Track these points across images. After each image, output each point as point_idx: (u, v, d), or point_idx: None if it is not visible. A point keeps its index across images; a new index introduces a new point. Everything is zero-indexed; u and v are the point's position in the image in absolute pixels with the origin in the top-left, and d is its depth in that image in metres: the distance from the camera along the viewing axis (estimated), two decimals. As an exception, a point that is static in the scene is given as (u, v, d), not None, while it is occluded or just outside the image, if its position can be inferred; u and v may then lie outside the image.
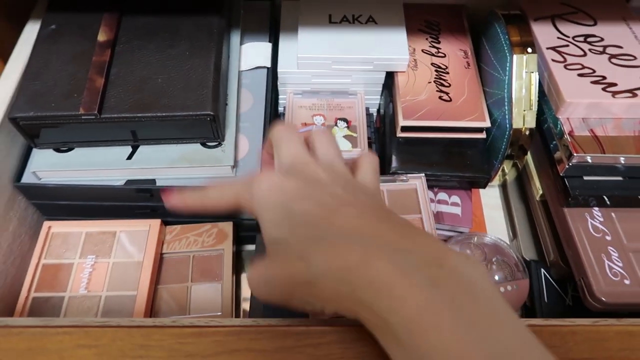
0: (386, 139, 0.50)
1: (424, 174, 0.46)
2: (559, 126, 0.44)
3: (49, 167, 0.43)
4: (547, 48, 0.47)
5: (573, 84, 0.44)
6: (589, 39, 0.48)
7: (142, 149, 0.43)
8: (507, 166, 0.50)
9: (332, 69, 0.50)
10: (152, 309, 0.43)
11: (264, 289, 0.26)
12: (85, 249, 0.45)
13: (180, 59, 0.43)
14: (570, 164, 0.42)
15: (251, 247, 0.52)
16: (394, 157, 0.48)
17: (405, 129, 0.47)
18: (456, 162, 0.48)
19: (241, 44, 0.52)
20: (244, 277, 0.49)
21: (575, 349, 0.27)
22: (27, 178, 0.43)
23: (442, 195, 0.51)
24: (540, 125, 0.46)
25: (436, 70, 0.50)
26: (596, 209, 0.44)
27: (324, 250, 0.23)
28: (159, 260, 0.46)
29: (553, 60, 0.46)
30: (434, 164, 0.48)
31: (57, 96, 0.40)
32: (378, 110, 0.57)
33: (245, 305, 0.47)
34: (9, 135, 0.42)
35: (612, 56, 0.46)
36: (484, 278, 0.23)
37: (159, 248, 0.46)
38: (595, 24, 0.49)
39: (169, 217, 0.47)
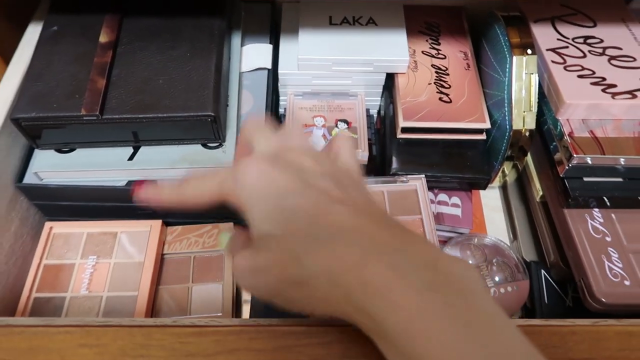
0: (386, 140, 0.50)
1: (424, 175, 0.46)
2: (558, 127, 0.44)
3: (51, 167, 0.43)
4: (547, 49, 0.47)
5: (573, 85, 0.44)
6: (589, 41, 0.48)
7: (144, 150, 0.44)
8: (507, 167, 0.50)
9: (333, 70, 0.50)
10: (152, 310, 0.43)
11: (249, 280, 0.25)
12: (87, 250, 0.46)
13: (182, 60, 0.43)
14: (570, 165, 0.42)
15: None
16: (394, 158, 0.48)
17: (405, 130, 0.47)
18: (456, 164, 0.48)
19: (242, 45, 0.52)
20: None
21: (575, 349, 0.27)
22: (28, 179, 0.43)
23: (443, 197, 0.51)
24: (540, 127, 0.47)
25: (436, 72, 0.50)
26: (596, 210, 0.44)
27: (318, 250, 0.23)
28: (160, 260, 0.46)
29: (553, 61, 0.46)
30: (434, 165, 0.48)
31: (59, 97, 0.40)
32: (378, 112, 0.57)
33: (246, 306, 0.47)
34: (10, 136, 0.42)
35: (612, 57, 0.46)
36: (477, 282, 0.23)
37: (160, 249, 0.46)
38: (594, 26, 0.49)
39: (170, 218, 0.47)
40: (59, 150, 0.44)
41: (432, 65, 0.51)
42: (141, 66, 0.43)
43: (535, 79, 0.45)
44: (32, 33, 0.48)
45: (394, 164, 0.48)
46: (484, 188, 0.51)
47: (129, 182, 0.43)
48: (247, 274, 0.25)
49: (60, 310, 0.42)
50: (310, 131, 0.50)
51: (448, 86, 0.49)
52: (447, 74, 0.50)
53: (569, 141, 0.42)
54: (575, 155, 0.42)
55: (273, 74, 0.51)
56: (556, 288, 0.47)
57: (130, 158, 0.43)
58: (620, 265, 0.41)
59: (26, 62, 0.44)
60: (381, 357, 0.25)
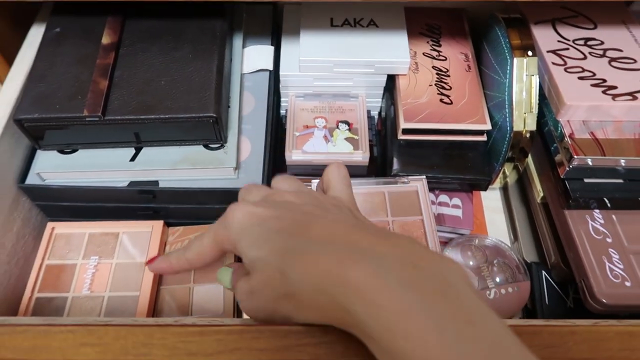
0: (387, 141, 0.50)
1: (425, 176, 0.47)
2: (559, 129, 0.44)
3: (53, 168, 0.43)
4: (548, 51, 0.47)
5: (573, 86, 0.44)
6: (589, 42, 0.48)
7: (145, 151, 0.44)
8: (507, 169, 0.50)
9: (334, 72, 0.50)
10: (154, 310, 0.43)
11: (248, 304, 0.27)
12: (89, 250, 0.46)
13: (183, 62, 0.43)
14: (570, 167, 0.42)
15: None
16: (395, 160, 0.48)
17: (406, 131, 0.48)
18: (457, 165, 0.48)
19: (243, 47, 0.52)
20: (245, 279, 0.49)
21: (575, 349, 0.27)
22: (31, 179, 0.43)
23: (443, 198, 0.51)
24: (540, 128, 0.47)
25: (437, 73, 0.51)
26: (597, 211, 0.44)
27: (300, 260, 0.24)
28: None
29: (553, 63, 0.46)
30: (435, 166, 0.48)
31: (62, 98, 0.41)
32: (379, 113, 0.57)
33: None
34: (13, 137, 0.43)
35: (612, 59, 0.46)
36: (460, 278, 0.23)
37: (162, 249, 0.46)
38: (595, 28, 0.49)
39: (172, 219, 0.48)
40: (62, 151, 0.44)
41: (433, 67, 0.51)
42: (143, 67, 0.43)
43: (535, 80, 0.45)
44: (35, 35, 0.48)
45: (395, 165, 0.48)
46: (485, 189, 0.51)
47: (131, 183, 0.44)
48: (245, 298, 0.27)
49: (62, 310, 0.42)
50: (311, 132, 0.50)
51: (449, 88, 0.49)
52: (448, 76, 0.50)
53: (570, 142, 0.43)
54: (575, 157, 0.42)
55: (274, 76, 0.51)
56: (557, 289, 0.47)
57: (132, 159, 0.43)
58: (621, 266, 0.41)
59: (29, 63, 0.44)
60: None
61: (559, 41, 0.48)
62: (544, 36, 0.48)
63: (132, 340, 0.28)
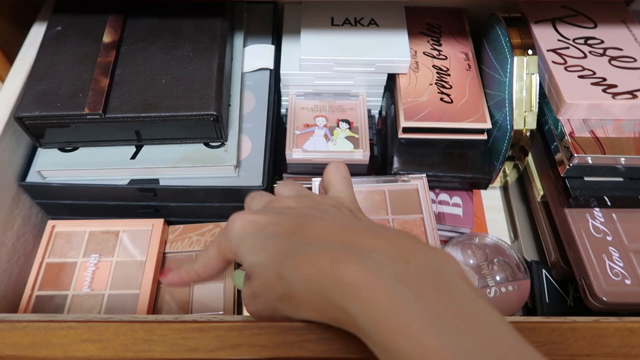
0: (388, 140, 0.50)
1: (425, 175, 0.47)
2: (559, 127, 0.44)
3: (54, 166, 0.43)
4: (548, 50, 0.47)
5: (573, 85, 0.44)
6: (589, 41, 0.48)
7: (146, 149, 0.44)
8: (508, 167, 0.50)
9: (334, 70, 0.50)
10: (154, 308, 0.43)
11: (251, 306, 0.28)
12: (89, 248, 0.46)
13: (184, 60, 0.43)
14: (571, 165, 0.42)
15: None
16: (395, 158, 0.48)
17: (406, 130, 0.48)
18: (457, 163, 0.48)
19: (244, 46, 0.52)
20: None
21: (575, 345, 0.27)
22: (31, 177, 0.44)
23: (444, 196, 0.51)
24: (541, 127, 0.47)
25: (437, 72, 0.51)
26: (597, 209, 0.44)
27: (295, 261, 0.24)
28: (162, 259, 0.46)
29: (553, 62, 0.46)
30: (435, 165, 0.48)
31: (63, 96, 0.41)
32: (380, 112, 0.57)
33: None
34: (14, 135, 0.43)
35: (612, 58, 0.46)
36: (455, 271, 0.23)
37: (162, 247, 0.46)
38: (595, 27, 0.49)
39: (172, 217, 0.48)
40: (62, 149, 0.44)
41: (434, 66, 0.51)
42: (144, 66, 0.43)
43: (536, 79, 0.45)
44: (36, 33, 0.48)
45: (396, 164, 0.48)
46: (485, 188, 0.51)
47: (132, 181, 0.44)
48: (249, 302, 0.28)
49: (62, 308, 0.42)
50: (312, 131, 0.50)
51: (449, 86, 0.49)
52: (449, 75, 0.50)
53: (570, 141, 0.43)
54: (576, 155, 0.42)
55: (275, 75, 0.52)
56: (557, 287, 0.47)
57: (133, 157, 0.43)
58: (621, 265, 0.41)
59: (30, 61, 0.45)
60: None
61: (559, 40, 0.48)
62: (544, 35, 0.48)
63: (132, 336, 0.28)
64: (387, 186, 0.47)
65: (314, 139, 0.50)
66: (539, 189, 0.49)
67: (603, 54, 0.47)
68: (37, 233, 0.47)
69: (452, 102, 0.48)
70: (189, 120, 0.41)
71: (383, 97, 0.55)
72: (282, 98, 0.54)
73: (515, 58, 0.45)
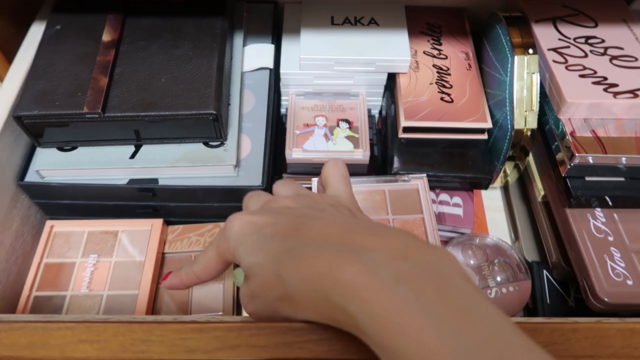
0: (388, 139, 0.50)
1: (425, 175, 0.46)
2: (560, 127, 0.44)
3: (53, 166, 0.43)
4: (548, 49, 0.47)
5: (574, 84, 0.44)
6: (590, 41, 0.48)
7: (145, 148, 0.44)
8: (508, 167, 0.50)
9: (334, 70, 0.50)
10: (153, 309, 0.43)
11: (250, 307, 0.28)
12: (88, 248, 0.45)
13: (184, 59, 0.43)
14: (572, 165, 0.42)
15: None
16: (395, 158, 0.48)
17: (407, 129, 0.47)
18: (458, 163, 0.48)
19: (244, 45, 0.52)
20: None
21: (577, 346, 0.27)
22: (30, 177, 0.43)
23: (444, 196, 0.51)
24: (541, 126, 0.47)
25: (438, 72, 0.50)
26: (598, 209, 0.44)
27: (294, 262, 0.24)
28: (161, 259, 0.46)
29: (554, 61, 0.46)
30: (435, 165, 0.48)
31: (61, 95, 0.41)
32: (380, 112, 0.57)
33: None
34: (13, 134, 0.42)
35: (613, 57, 0.46)
36: (454, 269, 0.22)
37: (161, 248, 0.46)
38: (596, 26, 0.49)
39: (171, 217, 0.47)
40: (61, 149, 0.44)
41: (434, 66, 0.51)
42: (143, 65, 0.43)
43: (536, 78, 0.45)
44: (35, 32, 0.48)
45: (396, 164, 0.47)
46: (486, 188, 0.51)
47: (131, 181, 0.43)
48: (247, 302, 0.28)
49: (61, 308, 0.42)
50: (312, 131, 0.50)
51: (450, 86, 0.49)
52: (449, 74, 0.50)
53: (571, 140, 0.42)
54: (577, 155, 0.41)
55: (275, 74, 0.51)
56: (558, 288, 0.47)
57: (132, 156, 0.43)
58: (623, 265, 0.41)
59: (29, 60, 0.44)
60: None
61: (559, 39, 0.48)
62: (545, 34, 0.48)
63: (130, 337, 0.28)
64: (387, 186, 0.46)
65: (314, 139, 0.49)
66: (539, 189, 0.49)
67: (604, 53, 0.46)
68: (36, 233, 0.46)
69: (452, 101, 0.48)
70: (188, 119, 0.41)
71: (383, 97, 0.54)
72: (282, 97, 0.54)
73: (516, 57, 0.45)
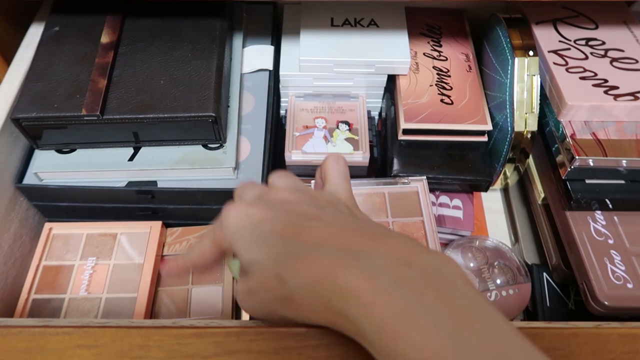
0: (388, 142, 0.50)
1: (425, 177, 0.46)
2: (560, 129, 0.44)
3: (51, 168, 0.43)
4: (549, 51, 0.47)
5: (575, 87, 0.44)
6: (591, 43, 0.48)
7: (144, 151, 0.44)
8: (508, 169, 0.50)
9: (334, 71, 0.50)
10: (152, 312, 0.43)
11: (245, 303, 0.27)
12: (86, 251, 0.45)
13: (183, 61, 0.43)
14: (572, 167, 0.42)
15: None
16: (395, 160, 0.48)
17: (406, 131, 0.47)
18: (458, 165, 0.48)
19: (243, 46, 0.52)
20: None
21: (577, 352, 0.27)
22: (28, 179, 0.43)
23: (444, 199, 0.51)
24: (542, 129, 0.46)
25: (438, 74, 0.50)
26: (598, 212, 0.44)
27: (295, 264, 0.24)
28: (160, 262, 0.46)
29: (555, 63, 0.46)
30: (435, 167, 0.48)
31: (60, 97, 0.40)
32: (380, 114, 0.57)
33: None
34: (11, 136, 0.42)
35: (614, 59, 0.46)
36: (456, 274, 0.22)
37: (160, 250, 0.46)
38: (596, 28, 0.49)
39: (170, 219, 0.47)
40: (59, 151, 0.43)
41: (434, 67, 0.51)
42: (142, 67, 0.43)
43: (537, 80, 0.44)
44: (34, 33, 0.48)
45: (395, 166, 0.47)
46: (486, 190, 0.50)
47: (129, 183, 0.43)
48: (244, 297, 0.27)
49: (59, 311, 0.42)
50: (311, 132, 0.50)
51: (449, 88, 0.49)
52: (449, 76, 0.50)
53: (571, 143, 0.42)
54: (577, 157, 0.41)
55: (274, 76, 0.51)
56: (558, 291, 0.47)
57: (131, 159, 0.43)
58: (623, 268, 0.41)
59: (27, 62, 0.44)
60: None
61: (560, 41, 0.48)
62: (545, 36, 0.48)
63: (128, 342, 0.28)
64: (387, 188, 0.46)
65: (314, 141, 0.49)
66: (539, 192, 0.49)
67: (604, 55, 0.46)
68: (34, 235, 0.46)
69: (452, 103, 0.48)
70: (187, 121, 0.41)
71: (383, 99, 0.54)
72: (282, 99, 0.54)
73: (516, 59, 0.45)
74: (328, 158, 0.32)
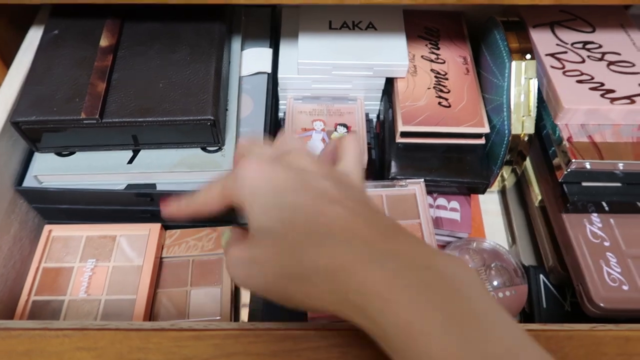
0: (385, 144, 0.50)
1: (423, 180, 0.47)
2: (557, 132, 0.44)
3: (50, 171, 0.43)
4: (546, 54, 0.47)
5: (571, 90, 0.44)
6: (588, 46, 0.48)
7: (143, 154, 0.44)
8: (506, 172, 0.50)
9: (332, 74, 0.50)
10: (151, 313, 0.43)
11: (242, 271, 0.25)
12: (86, 253, 0.46)
13: (181, 64, 0.43)
14: (568, 170, 0.42)
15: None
16: (393, 163, 0.48)
17: (404, 134, 0.48)
18: (455, 168, 0.48)
19: (242, 49, 0.52)
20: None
21: (572, 354, 0.27)
22: (28, 182, 0.43)
23: (441, 201, 0.51)
24: (539, 131, 0.47)
25: (435, 77, 0.50)
26: (595, 215, 0.44)
27: (317, 248, 0.23)
28: (159, 264, 0.46)
29: (552, 66, 0.46)
30: (433, 170, 0.48)
31: (59, 101, 0.41)
32: (378, 116, 0.57)
33: (244, 310, 0.47)
34: (11, 140, 0.42)
35: (611, 63, 0.46)
36: (473, 280, 0.23)
37: (159, 252, 0.46)
38: (593, 31, 0.49)
39: (169, 222, 0.48)
40: (59, 154, 0.44)
41: (432, 70, 0.51)
42: (141, 70, 0.43)
43: (534, 83, 0.45)
44: (33, 37, 0.48)
45: (393, 169, 0.48)
46: (483, 192, 0.51)
47: (128, 186, 0.43)
48: (241, 265, 0.25)
49: (59, 313, 0.42)
50: (310, 135, 0.50)
51: (447, 91, 0.49)
52: (447, 79, 0.50)
53: (568, 146, 0.42)
54: (573, 160, 0.42)
55: (273, 78, 0.51)
56: (555, 293, 0.47)
57: (130, 161, 0.43)
58: (619, 270, 0.41)
59: (27, 66, 0.44)
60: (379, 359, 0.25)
61: (557, 44, 0.48)
62: (543, 39, 0.48)
63: (127, 344, 0.28)
64: (385, 191, 0.47)
65: (312, 143, 0.49)
66: (536, 194, 0.49)
67: (601, 59, 0.47)
68: (34, 238, 0.46)
69: (450, 106, 0.48)
70: (186, 125, 0.41)
71: (381, 101, 0.54)
72: (280, 102, 0.54)
73: (514, 62, 0.45)
74: (348, 137, 0.30)
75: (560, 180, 0.44)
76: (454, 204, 0.51)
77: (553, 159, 0.45)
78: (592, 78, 0.45)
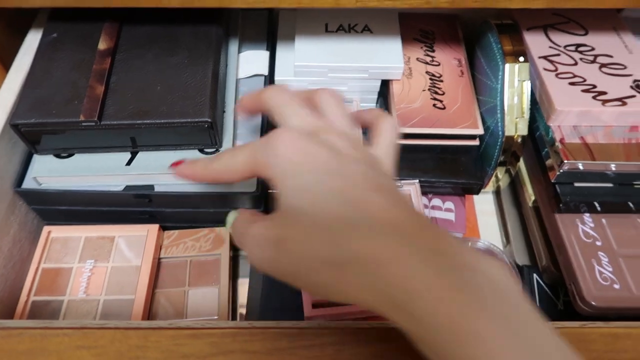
0: (381, 145, 0.51)
1: (417, 180, 0.47)
2: (550, 134, 0.45)
3: (49, 172, 0.43)
4: (539, 57, 0.48)
5: (564, 92, 0.45)
6: (580, 48, 0.48)
7: (141, 155, 0.44)
8: (500, 173, 0.51)
9: (328, 77, 0.51)
10: (149, 313, 0.44)
11: (268, 252, 0.24)
12: (85, 254, 0.46)
13: (179, 67, 0.44)
14: (561, 171, 0.43)
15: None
16: (388, 164, 0.48)
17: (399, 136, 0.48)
18: (450, 169, 0.49)
19: (239, 52, 0.53)
20: (241, 282, 0.50)
21: (562, 351, 0.28)
22: (27, 183, 0.44)
23: (436, 201, 0.52)
24: (532, 133, 0.47)
25: (430, 79, 0.51)
26: (587, 215, 0.45)
27: (357, 236, 0.22)
28: (157, 264, 0.46)
29: (545, 69, 0.47)
30: (428, 171, 0.48)
31: (58, 103, 0.41)
32: (374, 118, 0.57)
33: (242, 310, 0.47)
34: (10, 142, 0.43)
35: (603, 65, 0.47)
36: (513, 284, 0.22)
37: (157, 253, 0.47)
38: (586, 34, 0.50)
39: (167, 223, 0.48)
40: (58, 156, 0.44)
41: (427, 72, 0.52)
42: (139, 73, 0.43)
43: (527, 86, 0.45)
44: (32, 40, 0.48)
45: (389, 170, 0.48)
46: (477, 193, 0.51)
47: (127, 187, 0.44)
48: (266, 246, 0.24)
49: (58, 313, 0.43)
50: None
51: (442, 93, 0.50)
52: (441, 81, 0.51)
53: (560, 147, 0.43)
54: (566, 161, 0.42)
55: (269, 81, 0.52)
56: (548, 292, 0.47)
57: (128, 163, 0.44)
58: (610, 269, 0.42)
59: (26, 68, 0.45)
60: (374, 358, 0.25)
61: (550, 47, 0.49)
62: (536, 42, 0.49)
63: (127, 343, 0.29)
64: (381, 192, 0.47)
65: (308, 145, 0.50)
66: (530, 194, 0.50)
67: (594, 61, 0.47)
68: (33, 239, 0.47)
69: (444, 108, 0.49)
70: (183, 127, 0.41)
71: (377, 103, 0.55)
72: (277, 104, 0.54)
73: (507, 65, 0.46)
74: (386, 117, 0.29)
75: (553, 181, 0.44)
76: (449, 204, 0.52)
77: (546, 160, 0.45)
78: (585, 80, 0.45)
